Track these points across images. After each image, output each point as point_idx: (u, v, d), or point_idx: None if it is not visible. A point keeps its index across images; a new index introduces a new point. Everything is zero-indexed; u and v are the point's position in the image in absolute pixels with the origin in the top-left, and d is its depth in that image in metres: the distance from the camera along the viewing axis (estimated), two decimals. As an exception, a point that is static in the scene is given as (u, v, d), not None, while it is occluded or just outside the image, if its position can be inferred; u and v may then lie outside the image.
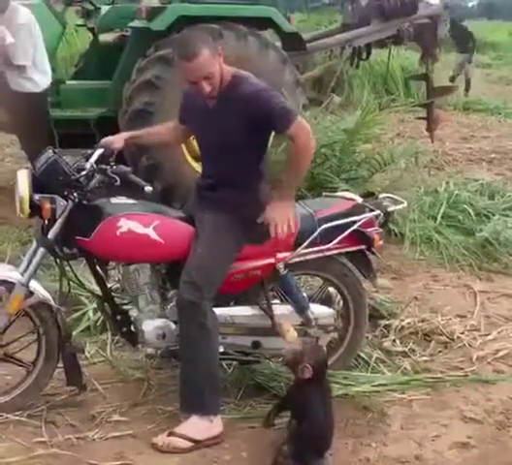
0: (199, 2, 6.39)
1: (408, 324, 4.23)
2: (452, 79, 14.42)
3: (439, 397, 3.61)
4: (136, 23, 6.37)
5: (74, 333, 3.93)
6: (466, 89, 14.90)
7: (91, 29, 7.30)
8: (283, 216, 3.20)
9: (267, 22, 6.54)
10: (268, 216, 3.21)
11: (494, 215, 5.96)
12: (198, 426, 3.15)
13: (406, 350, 4.00)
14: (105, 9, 7.07)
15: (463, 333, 4.24)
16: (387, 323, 4.24)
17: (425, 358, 3.95)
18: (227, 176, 3.29)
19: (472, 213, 5.94)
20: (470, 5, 53.20)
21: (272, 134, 3.38)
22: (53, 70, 5.90)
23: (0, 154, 8.37)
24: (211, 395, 3.19)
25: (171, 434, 3.14)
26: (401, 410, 3.48)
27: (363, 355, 3.83)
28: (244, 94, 3.17)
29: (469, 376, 3.79)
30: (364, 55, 8.36)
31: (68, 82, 6.73)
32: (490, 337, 4.24)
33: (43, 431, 3.19)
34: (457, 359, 3.97)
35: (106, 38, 6.98)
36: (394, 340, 4.08)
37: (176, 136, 3.60)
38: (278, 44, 6.79)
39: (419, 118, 8.73)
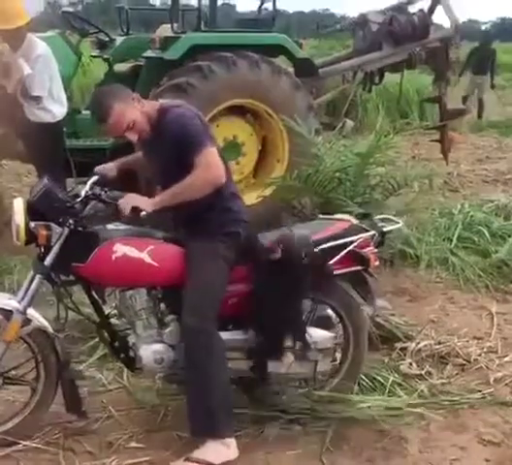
0: (211, 31, 6.48)
1: (425, 346, 4.22)
2: (464, 100, 14.38)
3: (457, 420, 3.59)
4: (149, 53, 6.48)
5: (90, 361, 3.98)
6: (479, 112, 14.86)
7: (106, 60, 7.39)
8: (131, 199, 3.21)
9: (279, 49, 6.63)
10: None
11: (509, 236, 5.94)
12: (214, 450, 3.16)
13: (423, 373, 3.99)
14: (119, 40, 7.20)
15: (480, 355, 4.22)
16: (403, 345, 4.23)
17: (442, 381, 3.93)
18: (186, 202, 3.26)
19: (488, 234, 5.93)
20: (484, 27, 53.38)
21: None
22: (69, 99, 5.98)
23: (18, 184, 8.44)
24: (226, 418, 3.20)
25: (187, 459, 3.14)
26: (419, 433, 3.46)
27: (379, 378, 3.81)
28: (166, 122, 3.28)
29: (487, 398, 3.77)
30: (376, 80, 8.40)
31: (84, 112, 6.82)
32: (507, 359, 4.22)
33: (60, 458, 3.21)
34: (474, 382, 3.95)
35: (120, 68, 7.08)
36: (410, 363, 4.07)
37: None
38: (291, 70, 6.87)
39: (433, 141, 8.76)
